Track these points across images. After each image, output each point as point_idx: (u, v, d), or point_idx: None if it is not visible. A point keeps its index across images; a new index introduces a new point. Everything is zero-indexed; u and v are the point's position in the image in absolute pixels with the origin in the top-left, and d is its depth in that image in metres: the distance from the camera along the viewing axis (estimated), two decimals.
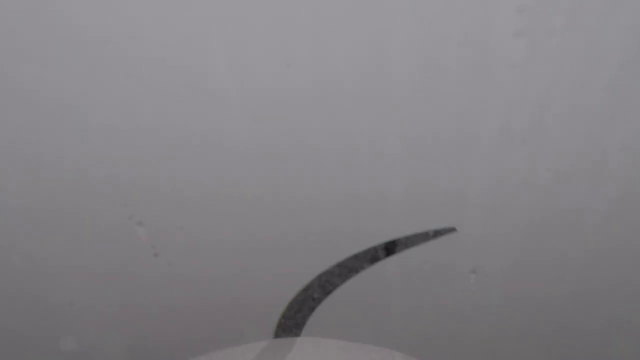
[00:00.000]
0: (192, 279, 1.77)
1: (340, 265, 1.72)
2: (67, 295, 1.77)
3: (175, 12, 1.22)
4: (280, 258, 1.71)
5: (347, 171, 1.52)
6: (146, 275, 1.74)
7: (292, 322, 1.87)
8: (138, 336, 1.91)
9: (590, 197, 1.59)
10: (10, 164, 1.45)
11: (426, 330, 1.95)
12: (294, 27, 1.26)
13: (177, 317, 1.88)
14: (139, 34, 1.25)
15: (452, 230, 1.65)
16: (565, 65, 1.35)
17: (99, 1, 1.20)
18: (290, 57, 1.30)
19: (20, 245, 1.62)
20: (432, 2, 1.23)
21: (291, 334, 1.92)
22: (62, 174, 1.48)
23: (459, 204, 1.61)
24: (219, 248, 1.70)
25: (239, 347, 1.92)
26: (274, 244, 1.68)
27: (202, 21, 1.24)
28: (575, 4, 1.25)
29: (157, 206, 1.58)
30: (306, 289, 1.78)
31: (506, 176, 1.55)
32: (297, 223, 1.63)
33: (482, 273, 1.78)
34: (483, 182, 1.56)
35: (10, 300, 1.74)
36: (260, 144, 1.46)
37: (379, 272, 1.76)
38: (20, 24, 1.22)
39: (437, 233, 1.66)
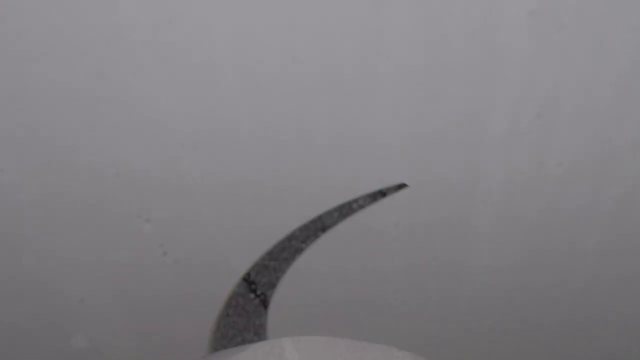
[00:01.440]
0: (201, 276, 1.78)
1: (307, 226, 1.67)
2: (78, 293, 1.79)
3: (181, 7, 1.23)
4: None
5: (353, 167, 1.52)
6: (156, 273, 1.76)
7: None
8: (148, 334, 1.92)
9: (599, 193, 1.57)
10: (20, 162, 1.47)
11: (433, 327, 1.94)
12: (299, 22, 1.27)
13: (187, 315, 1.89)
14: (145, 32, 1.27)
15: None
16: (573, 62, 1.33)
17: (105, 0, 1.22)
18: (295, 51, 1.31)
19: (30, 243, 1.64)
20: None
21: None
22: (71, 172, 1.50)
23: (467, 200, 1.60)
24: (229, 245, 1.70)
25: (248, 345, 1.92)
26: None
27: (207, 16, 1.25)
28: (583, 1, 1.24)
29: (165, 204, 1.59)
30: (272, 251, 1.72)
31: (514, 173, 1.54)
32: (303, 217, 1.63)
33: (490, 269, 1.77)
34: (491, 178, 1.55)
35: (21, 298, 1.76)
36: (267, 139, 1.46)
37: (384, 269, 1.75)
38: (30, 23, 1.24)
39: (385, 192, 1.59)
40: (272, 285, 1.78)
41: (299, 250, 1.70)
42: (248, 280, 1.77)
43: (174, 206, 1.59)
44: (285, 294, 1.82)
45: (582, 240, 1.69)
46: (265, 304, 1.82)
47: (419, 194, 1.59)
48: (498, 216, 1.64)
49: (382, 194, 1.58)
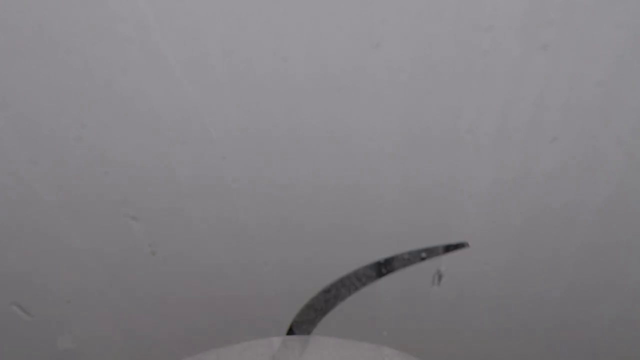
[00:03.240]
0: (189, 276, 1.78)
1: (359, 272, 1.74)
2: (64, 294, 1.77)
3: (170, 3, 1.22)
4: (277, 252, 1.72)
5: (343, 166, 1.52)
6: (143, 272, 1.74)
7: (305, 324, 1.87)
8: (135, 334, 1.91)
9: (586, 193, 1.58)
10: (6, 160, 1.45)
11: (422, 327, 1.95)
12: (290, 22, 1.27)
13: (175, 315, 1.88)
14: (134, 30, 1.25)
15: (463, 245, 1.66)
16: (560, 60, 1.35)
17: None
18: (285, 51, 1.31)
19: (16, 242, 1.62)
20: None
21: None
22: (59, 170, 1.48)
23: (455, 200, 1.61)
24: (217, 244, 1.70)
25: (236, 345, 1.92)
26: (270, 238, 1.68)
27: (197, 12, 1.24)
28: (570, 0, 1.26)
29: (154, 202, 1.58)
30: (324, 293, 1.79)
31: (502, 173, 1.55)
32: (293, 216, 1.63)
33: (478, 269, 1.78)
34: (478, 178, 1.56)
35: (7, 298, 1.74)
36: (257, 137, 1.46)
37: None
38: (15, 20, 1.22)
39: (448, 248, 1.67)
40: None
41: None
42: None
43: (163, 205, 1.58)
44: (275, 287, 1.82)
45: (569, 241, 1.70)
46: None
47: (406, 194, 1.59)
48: (484, 217, 1.65)
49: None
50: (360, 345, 1.95)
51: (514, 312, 1.90)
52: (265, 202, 1.60)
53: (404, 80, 1.37)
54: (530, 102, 1.41)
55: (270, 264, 1.75)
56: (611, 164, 1.52)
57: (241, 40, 1.28)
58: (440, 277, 1.74)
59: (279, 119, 1.43)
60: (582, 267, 1.76)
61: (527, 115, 1.44)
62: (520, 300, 1.86)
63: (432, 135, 1.48)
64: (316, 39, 1.29)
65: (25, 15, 1.22)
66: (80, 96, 1.35)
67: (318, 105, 1.41)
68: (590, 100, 1.41)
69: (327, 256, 1.74)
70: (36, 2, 1.20)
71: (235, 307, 1.86)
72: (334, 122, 1.45)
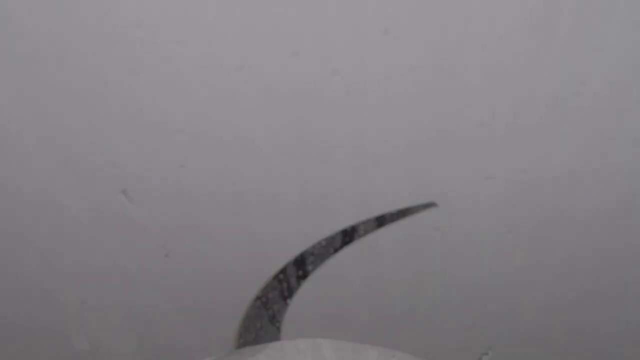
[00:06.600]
0: (202, 279, 1.78)
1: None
2: (79, 294, 1.79)
3: (181, 5, 1.24)
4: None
5: (354, 169, 1.52)
6: (157, 275, 1.76)
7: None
8: (148, 335, 1.92)
9: (600, 194, 1.55)
10: (21, 164, 1.47)
11: (430, 330, 1.93)
12: (300, 22, 1.27)
13: (188, 317, 1.89)
14: (146, 31, 1.27)
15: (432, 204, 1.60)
16: (574, 61, 1.33)
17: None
18: (296, 48, 1.31)
19: (31, 244, 1.64)
20: None
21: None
22: (73, 173, 1.50)
23: (466, 203, 1.59)
24: (230, 248, 1.70)
25: (248, 348, 1.92)
26: (283, 242, 1.68)
27: (208, 13, 1.25)
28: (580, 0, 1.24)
29: (168, 206, 1.59)
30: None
31: (514, 175, 1.53)
32: (304, 221, 1.63)
33: (489, 275, 1.76)
34: (490, 181, 1.54)
35: (22, 298, 1.76)
36: (266, 139, 1.46)
37: (382, 275, 1.75)
38: (29, 24, 1.24)
39: (422, 207, 1.60)
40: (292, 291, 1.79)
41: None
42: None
43: (176, 207, 1.59)
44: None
45: (582, 244, 1.67)
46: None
47: (415, 198, 1.58)
48: (496, 221, 1.63)
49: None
50: (374, 349, 1.94)
51: (525, 316, 1.87)
52: (278, 206, 1.60)
53: (416, 83, 1.36)
54: (544, 105, 1.40)
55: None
56: (625, 164, 1.49)
57: (256, 42, 1.29)
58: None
59: (291, 119, 1.43)
60: (596, 271, 1.73)
61: (539, 117, 1.42)
62: (532, 307, 1.83)
63: (443, 138, 1.46)
64: (327, 38, 1.29)
65: (37, 19, 1.24)
66: (93, 100, 1.37)
67: (333, 108, 1.40)
68: (602, 101, 1.39)
69: (347, 263, 1.73)
70: (48, 5, 1.22)
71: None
72: (343, 125, 1.44)
